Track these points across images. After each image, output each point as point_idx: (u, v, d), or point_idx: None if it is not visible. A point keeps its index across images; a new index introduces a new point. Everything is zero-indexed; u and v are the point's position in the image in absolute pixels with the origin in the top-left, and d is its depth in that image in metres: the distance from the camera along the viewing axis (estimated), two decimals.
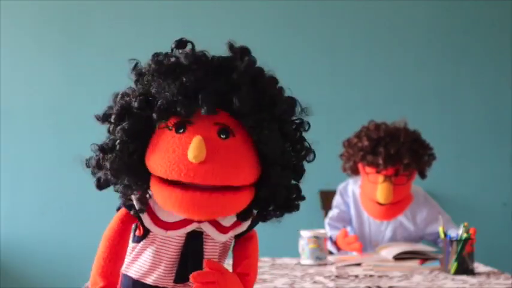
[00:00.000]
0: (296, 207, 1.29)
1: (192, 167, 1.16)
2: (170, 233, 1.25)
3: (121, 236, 1.26)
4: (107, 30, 3.63)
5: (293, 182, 1.28)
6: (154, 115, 1.20)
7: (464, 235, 2.21)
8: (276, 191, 1.25)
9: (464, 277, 2.16)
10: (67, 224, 3.59)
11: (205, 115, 1.19)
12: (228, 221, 1.28)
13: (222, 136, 1.20)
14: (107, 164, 1.21)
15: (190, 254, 1.27)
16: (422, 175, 2.67)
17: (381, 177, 2.58)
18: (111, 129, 1.24)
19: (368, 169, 2.61)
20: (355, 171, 2.70)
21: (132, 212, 1.25)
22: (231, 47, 1.25)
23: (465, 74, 3.69)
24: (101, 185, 1.26)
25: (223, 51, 1.26)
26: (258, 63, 1.26)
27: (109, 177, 1.22)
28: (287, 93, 1.29)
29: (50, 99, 3.61)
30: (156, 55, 1.24)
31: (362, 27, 3.68)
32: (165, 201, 1.20)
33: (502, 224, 3.66)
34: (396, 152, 2.54)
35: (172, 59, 1.23)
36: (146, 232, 1.27)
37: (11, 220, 3.59)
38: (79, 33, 3.63)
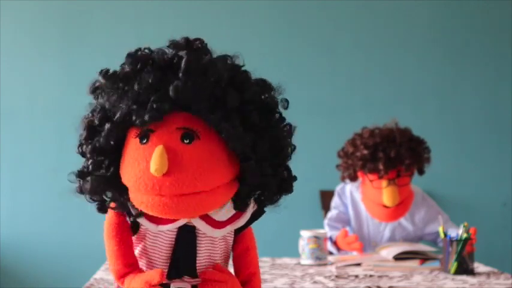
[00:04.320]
0: (289, 189, 1.26)
1: (157, 180, 1.14)
2: (161, 227, 1.24)
3: (123, 225, 1.26)
4: (107, 30, 3.63)
5: (280, 162, 1.24)
6: (109, 132, 1.19)
7: (464, 235, 2.21)
8: (258, 184, 1.22)
9: (464, 277, 2.16)
10: (67, 224, 3.58)
11: (166, 121, 1.16)
12: (222, 215, 1.25)
13: (185, 141, 1.17)
14: (86, 187, 1.22)
15: (182, 250, 1.25)
16: (421, 171, 2.68)
17: (384, 182, 2.58)
18: (83, 149, 1.23)
19: (370, 176, 2.61)
20: (354, 179, 2.70)
21: (131, 219, 1.24)
22: (173, 43, 1.21)
23: (465, 74, 3.69)
24: (101, 209, 1.26)
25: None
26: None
27: (89, 200, 1.23)
28: (279, 88, 1.25)
29: (50, 100, 3.61)
30: (104, 71, 1.22)
31: (362, 27, 3.68)
32: (139, 205, 1.19)
33: (501, 224, 3.66)
34: (396, 154, 2.55)
35: (123, 71, 1.20)
36: (137, 227, 1.26)
37: (11, 220, 3.59)
38: (79, 33, 3.63)
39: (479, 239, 2.33)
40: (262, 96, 1.22)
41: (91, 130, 1.22)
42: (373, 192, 2.63)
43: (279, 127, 1.24)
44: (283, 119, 1.26)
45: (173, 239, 1.25)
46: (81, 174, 1.24)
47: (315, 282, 2.08)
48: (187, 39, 1.21)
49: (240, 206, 1.25)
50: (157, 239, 1.25)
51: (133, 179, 1.16)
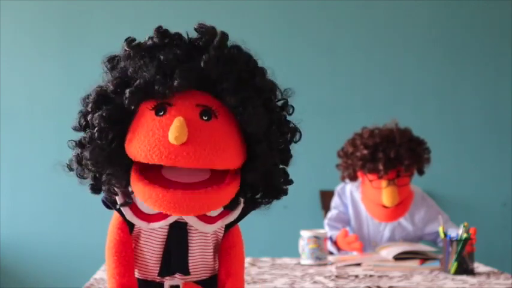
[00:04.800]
0: (284, 192, 1.26)
1: (173, 149, 1.13)
2: (152, 225, 1.23)
3: (124, 244, 1.25)
4: (107, 30, 3.63)
5: (280, 166, 1.25)
6: (131, 96, 1.17)
7: (464, 235, 2.21)
8: (264, 172, 1.21)
9: (464, 277, 2.16)
10: (67, 224, 3.58)
11: (186, 97, 1.17)
12: (214, 211, 1.24)
13: (204, 118, 1.17)
14: (86, 155, 1.19)
15: (173, 246, 1.24)
16: (421, 172, 2.68)
17: (384, 182, 2.59)
18: (88, 119, 1.21)
19: (370, 176, 2.61)
20: (353, 179, 2.70)
21: (117, 206, 1.23)
22: (201, 28, 1.22)
23: (465, 74, 3.69)
24: (95, 188, 1.24)
25: None
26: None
27: (89, 167, 1.20)
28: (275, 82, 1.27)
29: (50, 100, 3.61)
30: (129, 39, 1.25)
31: (362, 27, 3.68)
32: (145, 200, 1.17)
33: (501, 224, 3.66)
34: (395, 154, 2.55)
35: (149, 42, 1.22)
36: (132, 226, 1.25)
37: (11, 220, 3.59)
38: (79, 33, 3.63)
39: (479, 239, 2.33)
40: (277, 93, 1.26)
41: (101, 99, 1.20)
42: (372, 192, 2.64)
43: (287, 125, 1.26)
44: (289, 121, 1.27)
45: (165, 237, 1.25)
46: (82, 143, 1.21)
47: (315, 282, 2.08)
48: (213, 26, 1.23)
49: (229, 205, 1.23)
50: (150, 237, 1.25)
51: (147, 148, 1.14)
